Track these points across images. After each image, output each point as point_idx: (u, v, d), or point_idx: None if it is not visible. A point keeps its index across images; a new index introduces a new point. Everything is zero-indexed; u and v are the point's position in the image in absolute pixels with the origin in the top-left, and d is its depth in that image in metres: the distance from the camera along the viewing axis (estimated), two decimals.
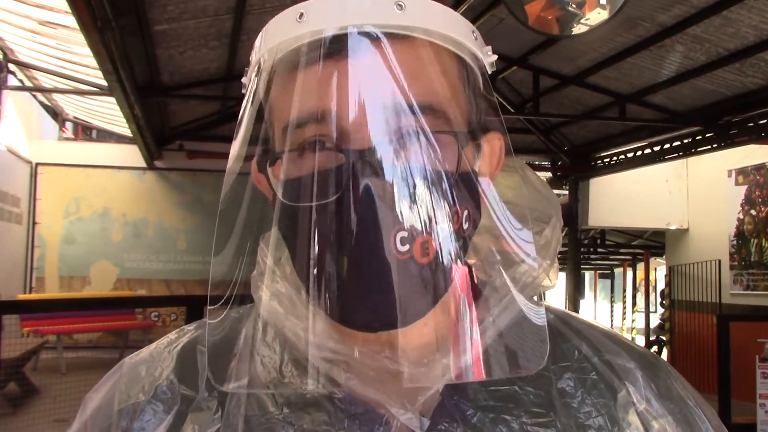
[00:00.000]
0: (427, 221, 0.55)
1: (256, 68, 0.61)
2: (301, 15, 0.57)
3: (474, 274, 0.64)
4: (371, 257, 0.54)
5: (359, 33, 0.56)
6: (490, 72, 0.65)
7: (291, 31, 0.58)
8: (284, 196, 0.58)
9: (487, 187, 0.60)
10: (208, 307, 0.61)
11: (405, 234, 0.54)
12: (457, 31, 0.61)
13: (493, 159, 0.67)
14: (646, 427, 0.63)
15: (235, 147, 0.60)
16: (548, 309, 0.70)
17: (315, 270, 0.55)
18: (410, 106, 0.55)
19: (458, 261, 0.57)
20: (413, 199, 0.55)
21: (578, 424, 0.62)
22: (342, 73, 0.56)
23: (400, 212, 0.54)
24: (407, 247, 0.54)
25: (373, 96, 0.55)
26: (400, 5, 0.57)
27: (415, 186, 0.55)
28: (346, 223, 0.54)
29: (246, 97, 0.61)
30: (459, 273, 0.57)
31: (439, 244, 0.55)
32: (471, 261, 0.63)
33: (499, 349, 0.58)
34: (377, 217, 0.54)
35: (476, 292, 0.61)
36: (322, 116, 0.56)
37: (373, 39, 0.56)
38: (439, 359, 0.58)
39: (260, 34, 0.62)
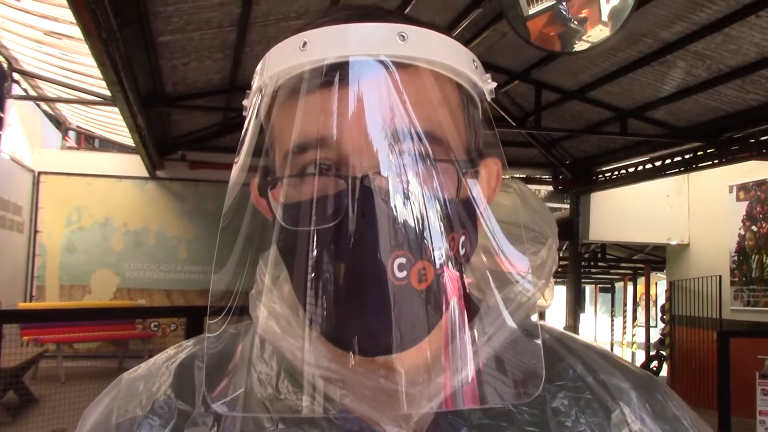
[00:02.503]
0: (425, 248, 0.55)
1: (258, 93, 0.62)
2: (305, 44, 0.58)
3: (470, 294, 0.64)
4: (368, 283, 0.54)
5: (362, 62, 0.56)
6: (489, 99, 0.66)
7: (294, 59, 0.58)
8: (284, 219, 0.59)
9: (484, 210, 0.61)
10: (208, 322, 0.62)
11: (403, 260, 0.54)
12: (458, 60, 0.61)
13: (491, 183, 0.68)
14: None
15: (236, 169, 0.61)
16: (543, 328, 0.71)
17: (313, 293, 0.56)
18: (411, 134, 0.56)
19: (455, 286, 0.57)
20: (411, 226, 0.55)
21: None
22: (344, 99, 0.56)
23: (398, 238, 0.54)
24: (404, 273, 0.54)
25: (375, 123, 0.55)
26: (403, 36, 0.57)
27: (413, 212, 0.55)
28: (344, 248, 0.54)
29: (246, 122, 0.62)
30: (456, 296, 0.58)
31: (436, 270, 0.56)
32: (468, 280, 0.64)
33: (493, 376, 0.59)
34: (376, 243, 0.54)
35: (472, 312, 0.61)
36: (323, 141, 0.57)
37: (376, 68, 0.57)
38: (434, 379, 0.58)
39: (262, 60, 0.63)
